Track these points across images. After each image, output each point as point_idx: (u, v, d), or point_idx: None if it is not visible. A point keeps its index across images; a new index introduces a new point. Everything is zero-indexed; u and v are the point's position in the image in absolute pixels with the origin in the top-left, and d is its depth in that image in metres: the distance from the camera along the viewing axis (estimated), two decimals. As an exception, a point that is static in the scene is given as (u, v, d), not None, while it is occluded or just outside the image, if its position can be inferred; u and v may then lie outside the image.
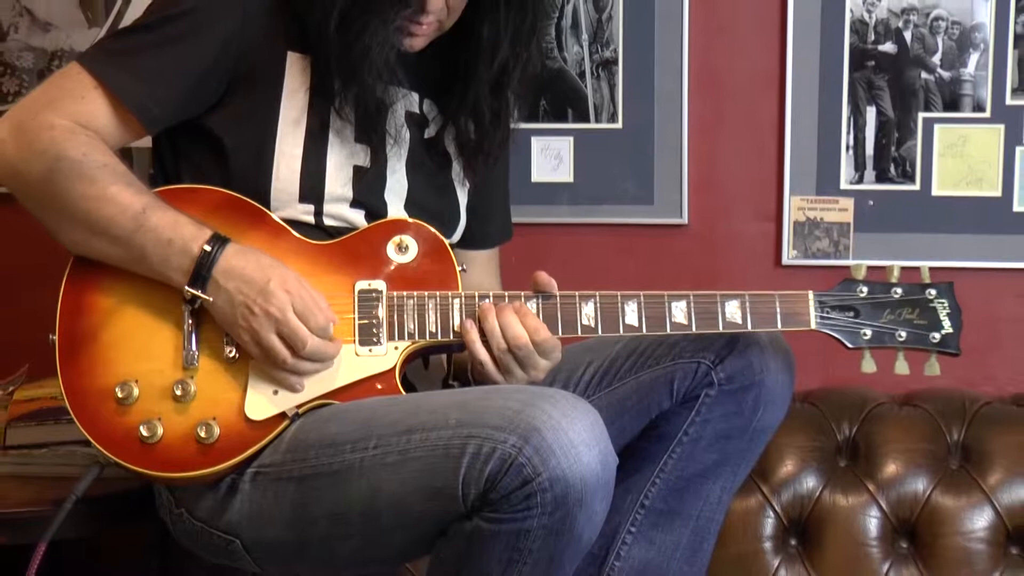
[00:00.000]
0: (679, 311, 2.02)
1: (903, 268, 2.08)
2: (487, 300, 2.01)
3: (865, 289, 2.05)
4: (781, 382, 2.11)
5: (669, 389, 2.12)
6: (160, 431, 1.94)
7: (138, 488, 2.14)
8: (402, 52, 2.06)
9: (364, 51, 1.99)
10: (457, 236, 2.22)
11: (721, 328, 2.03)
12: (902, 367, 2.05)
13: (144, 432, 1.93)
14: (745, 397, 2.10)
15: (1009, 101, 2.77)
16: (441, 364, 2.17)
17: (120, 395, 1.95)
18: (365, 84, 2.02)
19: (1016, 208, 2.79)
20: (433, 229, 2.07)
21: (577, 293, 2.02)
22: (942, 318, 2.05)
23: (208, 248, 1.91)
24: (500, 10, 2.11)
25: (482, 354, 1.99)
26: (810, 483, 2.66)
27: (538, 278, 2.02)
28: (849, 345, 2.05)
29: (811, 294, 2.04)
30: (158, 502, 2.09)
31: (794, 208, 2.83)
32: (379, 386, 1.98)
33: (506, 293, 2.03)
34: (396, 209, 2.12)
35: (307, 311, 1.91)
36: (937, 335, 2.05)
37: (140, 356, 1.98)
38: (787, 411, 2.15)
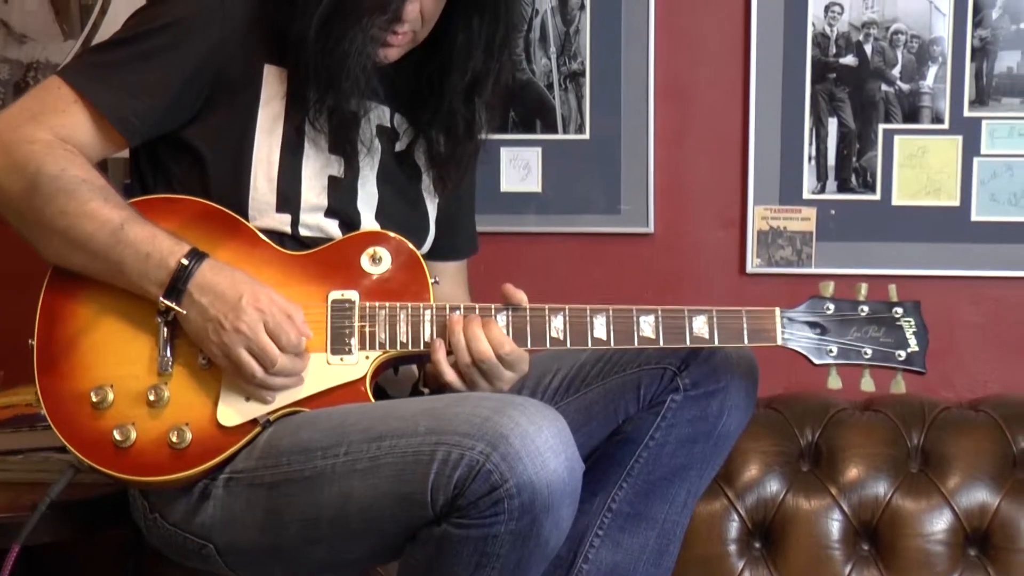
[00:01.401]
0: (647, 325, 2.03)
1: (870, 285, 2.09)
2: (456, 313, 2.03)
3: (832, 306, 2.06)
4: (745, 388, 2.13)
5: (636, 394, 2.14)
6: (133, 435, 1.95)
7: (112, 493, 2.15)
8: (376, 64, 2.07)
9: (342, 57, 2.00)
10: (427, 247, 2.23)
11: (688, 343, 2.04)
12: (868, 384, 2.06)
13: (118, 436, 1.95)
14: (710, 402, 2.11)
15: (967, 113, 2.79)
16: (412, 370, 2.19)
17: (95, 399, 1.96)
18: (341, 91, 2.03)
19: (974, 217, 2.81)
20: (408, 242, 2.09)
21: (547, 306, 2.03)
22: (908, 336, 2.06)
23: (185, 262, 1.93)
24: (473, 21, 2.13)
25: (449, 374, 2.01)
26: (774, 487, 2.69)
27: (506, 290, 2.04)
28: (815, 361, 2.06)
29: (778, 311, 2.05)
30: (132, 507, 2.10)
31: (758, 217, 2.85)
32: (350, 394, 2.00)
33: (477, 305, 2.04)
34: (368, 219, 2.14)
35: (278, 328, 1.93)
36: (903, 353, 2.06)
37: (116, 362, 1.99)
38: (751, 416, 2.17)
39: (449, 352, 2.02)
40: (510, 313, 2.03)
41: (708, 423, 2.12)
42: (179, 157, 2.07)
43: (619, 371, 2.16)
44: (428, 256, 2.20)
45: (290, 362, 1.95)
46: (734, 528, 2.68)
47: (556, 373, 2.20)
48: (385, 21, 2.03)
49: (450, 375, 2.01)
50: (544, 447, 1.78)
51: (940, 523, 2.65)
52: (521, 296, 2.03)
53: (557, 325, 2.03)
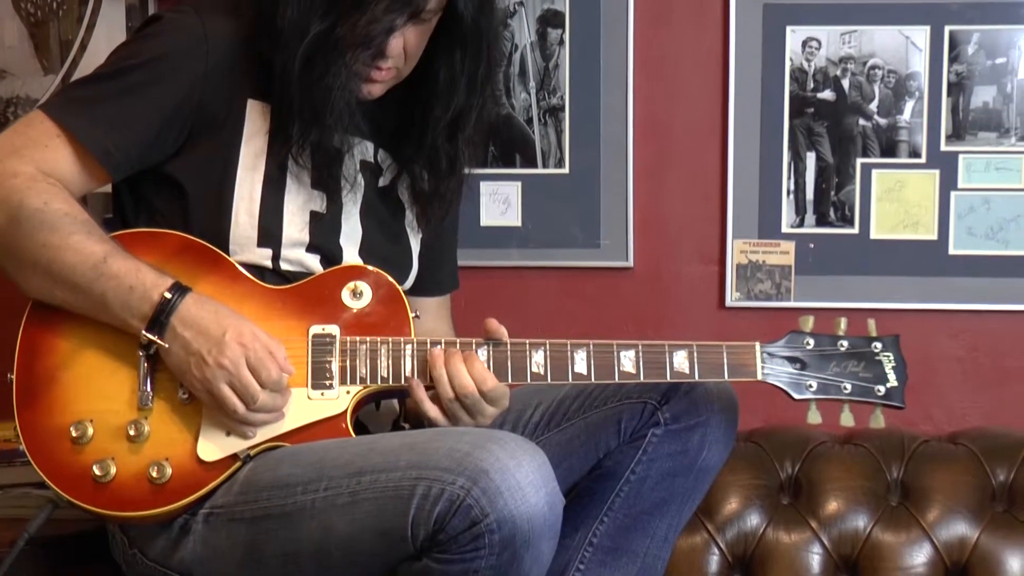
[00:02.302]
0: (628, 360, 2.04)
1: (849, 320, 2.10)
2: (438, 347, 2.03)
3: (812, 341, 2.08)
4: (725, 421, 2.14)
5: (616, 429, 2.14)
6: (113, 470, 1.95)
7: (92, 529, 2.14)
8: (360, 100, 2.08)
9: (326, 92, 2.01)
10: (410, 283, 2.23)
11: (669, 377, 2.05)
12: (847, 419, 2.07)
13: (97, 471, 1.95)
14: (690, 436, 2.12)
15: (944, 147, 2.81)
16: (393, 406, 2.19)
17: (75, 434, 1.96)
18: (325, 126, 2.04)
19: (951, 251, 2.83)
20: (388, 276, 2.09)
21: (527, 341, 2.04)
22: (887, 371, 2.07)
23: (169, 295, 1.93)
24: (455, 57, 2.14)
25: (432, 411, 2.01)
26: (754, 520, 2.68)
27: (489, 325, 2.04)
28: (795, 396, 2.07)
29: (758, 345, 2.07)
30: (111, 543, 2.10)
31: (737, 251, 2.87)
32: (331, 429, 2.00)
33: (457, 340, 2.05)
34: (351, 255, 2.14)
35: (260, 364, 1.93)
36: (882, 388, 2.07)
37: (95, 396, 1.99)
38: (731, 450, 2.18)
39: (429, 387, 2.02)
40: (491, 348, 2.04)
41: (689, 457, 2.13)
42: (161, 191, 2.08)
43: (599, 405, 2.17)
44: (410, 291, 2.21)
45: (271, 398, 1.96)
46: (714, 562, 2.68)
47: (537, 408, 2.21)
48: (369, 56, 2.04)
49: (432, 411, 2.02)
50: (524, 482, 1.79)
51: (920, 556, 2.64)
52: (503, 332, 2.04)
53: (538, 360, 2.04)
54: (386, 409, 2.18)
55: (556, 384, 2.08)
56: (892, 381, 2.08)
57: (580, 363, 2.04)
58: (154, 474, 1.95)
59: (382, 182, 2.21)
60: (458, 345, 2.04)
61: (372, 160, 2.19)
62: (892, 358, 2.08)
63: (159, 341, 1.94)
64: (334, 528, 1.89)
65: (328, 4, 2.00)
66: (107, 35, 2.93)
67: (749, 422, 2.61)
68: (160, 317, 1.93)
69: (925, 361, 2.78)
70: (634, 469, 2.14)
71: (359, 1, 1.99)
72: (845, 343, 2.08)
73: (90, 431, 1.97)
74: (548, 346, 2.04)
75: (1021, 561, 2.63)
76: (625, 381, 2.06)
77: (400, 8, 2.01)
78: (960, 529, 2.65)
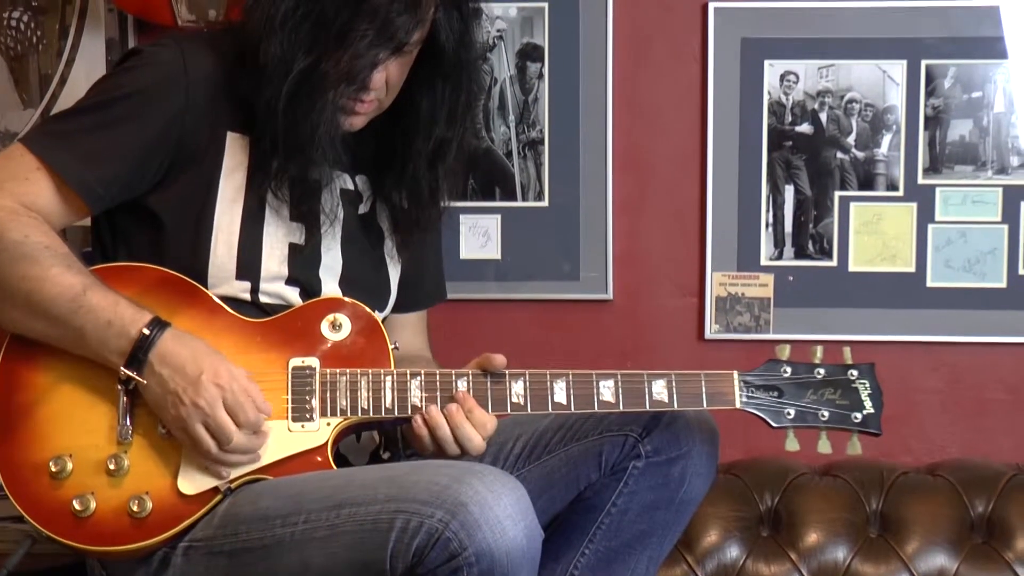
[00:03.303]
0: (607, 390, 2.05)
1: (825, 348, 2.11)
2: (434, 407, 2.02)
3: (789, 369, 2.08)
4: (706, 454, 2.14)
5: (597, 461, 2.14)
6: (93, 505, 1.95)
7: (70, 563, 2.13)
8: (342, 133, 2.09)
9: (312, 128, 2.02)
10: (388, 310, 2.24)
11: (648, 407, 2.05)
12: (825, 446, 2.08)
13: (77, 506, 1.94)
14: (672, 469, 2.12)
15: (921, 180, 2.83)
16: (373, 436, 2.19)
17: (54, 469, 1.95)
18: (311, 161, 2.04)
19: (929, 283, 2.84)
20: (367, 308, 2.09)
21: (507, 371, 2.04)
22: (863, 398, 2.08)
23: (147, 332, 1.93)
24: (436, 87, 2.15)
25: (429, 448, 2.02)
26: (733, 552, 2.69)
27: (492, 360, 2.05)
28: (773, 424, 2.07)
29: (736, 374, 2.07)
30: (90, 576, 2.10)
31: (716, 284, 2.88)
32: (311, 461, 2.00)
33: (437, 371, 2.05)
34: (330, 286, 2.14)
35: (237, 406, 1.93)
36: (859, 415, 2.08)
37: (75, 431, 1.98)
38: (713, 482, 2.17)
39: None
40: (470, 379, 2.04)
41: (670, 489, 2.13)
42: (140, 224, 2.08)
43: (581, 438, 2.17)
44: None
45: (247, 439, 1.95)
46: (695, 594, 2.69)
47: (518, 440, 2.21)
48: (353, 91, 2.05)
49: (430, 449, 2.02)
50: (503, 515, 1.79)
51: (900, 588, 2.66)
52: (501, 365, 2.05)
53: (518, 391, 2.04)
54: (366, 440, 2.18)
55: (536, 414, 2.08)
56: (868, 408, 2.08)
57: (560, 393, 2.05)
58: (135, 508, 1.95)
59: (362, 209, 2.22)
60: (438, 376, 2.04)
61: (352, 188, 2.19)
62: (868, 385, 2.09)
63: (138, 378, 1.94)
64: (313, 561, 1.88)
65: (311, 40, 2.00)
66: (87, 69, 2.94)
67: (729, 454, 2.62)
68: (138, 354, 1.93)
69: (904, 393, 2.80)
70: (615, 502, 2.14)
71: (342, 37, 2.00)
72: (822, 371, 2.09)
73: (69, 466, 1.96)
74: (527, 376, 2.05)
75: (1000, 592, 2.64)
76: (605, 410, 2.06)
77: (384, 43, 2.02)
78: (939, 561, 2.67)
